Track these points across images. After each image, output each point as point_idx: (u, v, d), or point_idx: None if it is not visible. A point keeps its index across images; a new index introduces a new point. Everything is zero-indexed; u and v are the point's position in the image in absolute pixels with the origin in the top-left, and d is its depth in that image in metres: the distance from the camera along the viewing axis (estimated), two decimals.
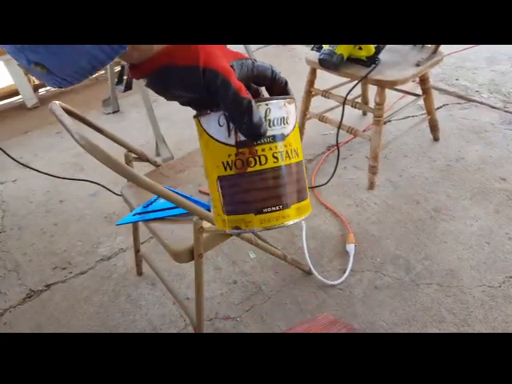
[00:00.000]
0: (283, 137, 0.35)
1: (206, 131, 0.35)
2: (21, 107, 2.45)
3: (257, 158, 0.34)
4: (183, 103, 0.36)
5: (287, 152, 0.35)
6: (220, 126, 0.34)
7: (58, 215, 1.60)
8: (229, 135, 0.34)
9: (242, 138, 0.34)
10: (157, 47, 0.32)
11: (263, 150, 0.34)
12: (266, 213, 0.35)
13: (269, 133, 0.34)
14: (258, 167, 0.34)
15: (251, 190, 0.34)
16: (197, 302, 0.92)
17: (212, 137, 0.35)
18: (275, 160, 0.34)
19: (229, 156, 0.34)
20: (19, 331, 1.19)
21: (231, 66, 0.33)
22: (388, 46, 1.51)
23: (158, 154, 1.83)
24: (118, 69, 2.03)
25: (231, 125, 0.34)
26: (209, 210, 0.83)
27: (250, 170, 0.34)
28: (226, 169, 0.35)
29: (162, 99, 0.36)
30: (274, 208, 0.35)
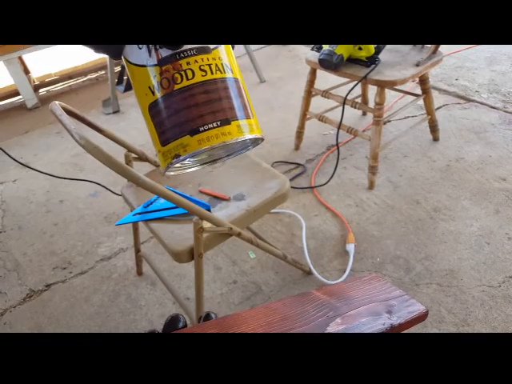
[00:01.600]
0: (209, 49, 0.33)
1: (129, 62, 0.34)
2: (21, 107, 2.45)
3: (183, 73, 0.32)
4: None
5: (217, 65, 0.33)
6: (140, 48, 0.33)
7: (57, 215, 1.60)
8: (150, 55, 0.32)
9: (163, 54, 0.32)
10: None
11: (188, 63, 0.32)
12: (203, 131, 0.32)
13: (191, 45, 0.32)
14: (185, 83, 0.32)
15: (183, 110, 0.32)
16: (197, 302, 0.92)
17: (136, 64, 0.33)
18: (203, 73, 0.32)
19: (154, 77, 0.32)
20: (19, 331, 1.19)
21: None
22: (388, 46, 1.51)
23: None
24: (118, 69, 2.03)
25: (151, 44, 0.32)
26: (209, 210, 0.83)
27: (177, 87, 0.32)
28: (153, 93, 0.33)
29: None
30: (211, 125, 0.32)
